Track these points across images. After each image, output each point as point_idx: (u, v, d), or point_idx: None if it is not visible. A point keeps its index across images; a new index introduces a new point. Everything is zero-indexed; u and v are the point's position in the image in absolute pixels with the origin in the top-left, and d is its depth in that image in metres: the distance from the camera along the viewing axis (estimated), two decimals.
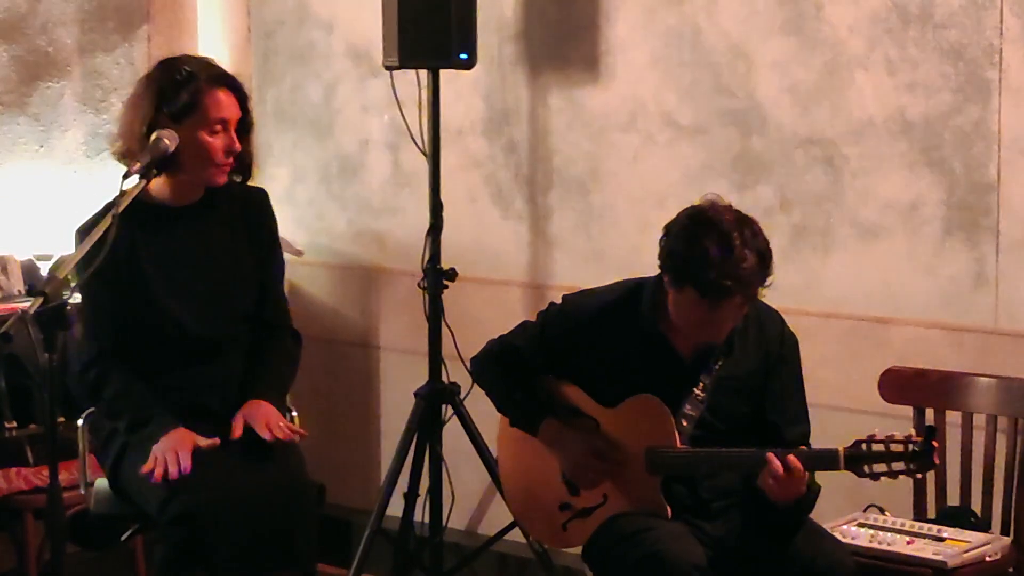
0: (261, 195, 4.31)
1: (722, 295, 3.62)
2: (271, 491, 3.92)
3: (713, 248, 3.60)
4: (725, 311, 3.67)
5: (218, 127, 4.04)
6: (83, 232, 4.07)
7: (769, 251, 3.69)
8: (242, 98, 4.13)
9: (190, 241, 4.14)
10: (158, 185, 4.08)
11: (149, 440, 3.94)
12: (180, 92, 4.01)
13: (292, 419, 4.26)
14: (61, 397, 3.91)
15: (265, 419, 4.00)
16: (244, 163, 4.19)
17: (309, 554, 3.98)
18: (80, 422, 4.22)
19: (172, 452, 3.89)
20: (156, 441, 3.92)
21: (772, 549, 3.73)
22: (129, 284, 4.03)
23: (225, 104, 4.06)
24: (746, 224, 3.67)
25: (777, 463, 3.64)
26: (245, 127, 4.15)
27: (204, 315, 4.11)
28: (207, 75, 4.05)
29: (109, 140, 4.25)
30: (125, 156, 4.06)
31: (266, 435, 3.96)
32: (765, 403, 3.87)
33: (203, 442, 3.94)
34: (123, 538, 3.91)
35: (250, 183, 4.29)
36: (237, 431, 3.99)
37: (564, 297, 4.05)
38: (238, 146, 4.08)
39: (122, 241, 3.79)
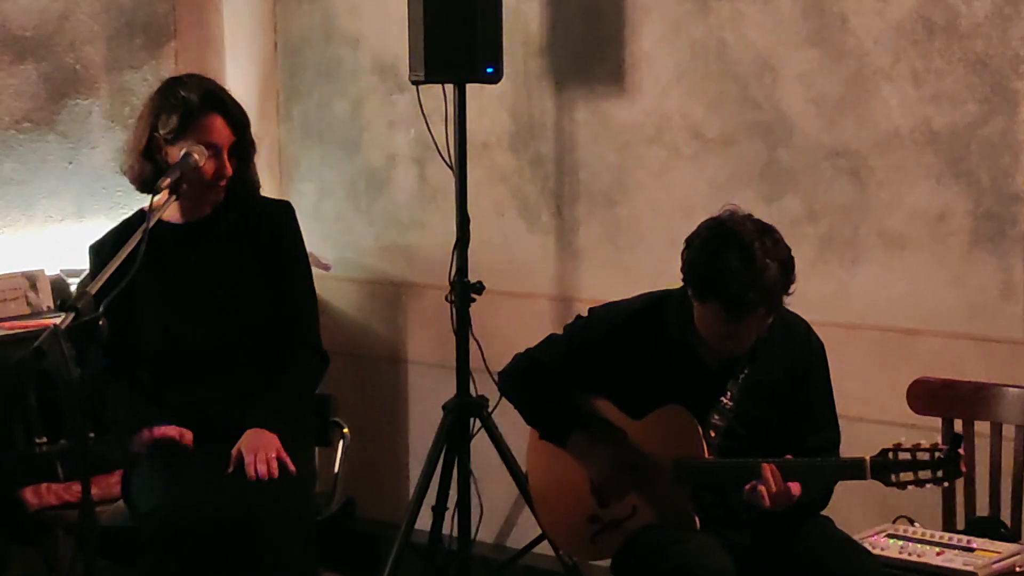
0: (282, 208, 4.32)
1: (746, 310, 3.62)
2: (245, 515, 3.89)
3: (735, 262, 3.60)
4: (750, 324, 3.68)
5: (208, 151, 4.06)
6: (96, 249, 4.12)
7: (791, 258, 3.69)
8: (237, 123, 4.14)
9: (192, 257, 4.17)
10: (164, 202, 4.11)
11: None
12: (172, 115, 4.06)
13: (343, 436, 4.30)
14: (91, 413, 3.93)
15: (255, 452, 3.99)
16: (244, 186, 4.21)
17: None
18: None
19: (164, 428, 3.99)
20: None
21: (786, 548, 3.74)
22: (133, 300, 4.02)
23: (215, 129, 4.09)
24: (766, 233, 3.67)
25: (759, 487, 3.66)
26: (242, 151, 4.17)
27: (204, 329, 4.12)
28: (199, 100, 4.08)
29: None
30: (128, 173, 4.15)
31: (250, 472, 3.95)
32: (793, 411, 3.87)
33: (188, 438, 4.01)
34: None
35: (277, 197, 4.31)
36: (230, 467, 3.99)
37: (590, 310, 4.05)
38: (228, 170, 4.11)
39: (130, 256, 3.81)
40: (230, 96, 4.19)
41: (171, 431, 4.02)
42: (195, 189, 4.09)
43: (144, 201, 3.92)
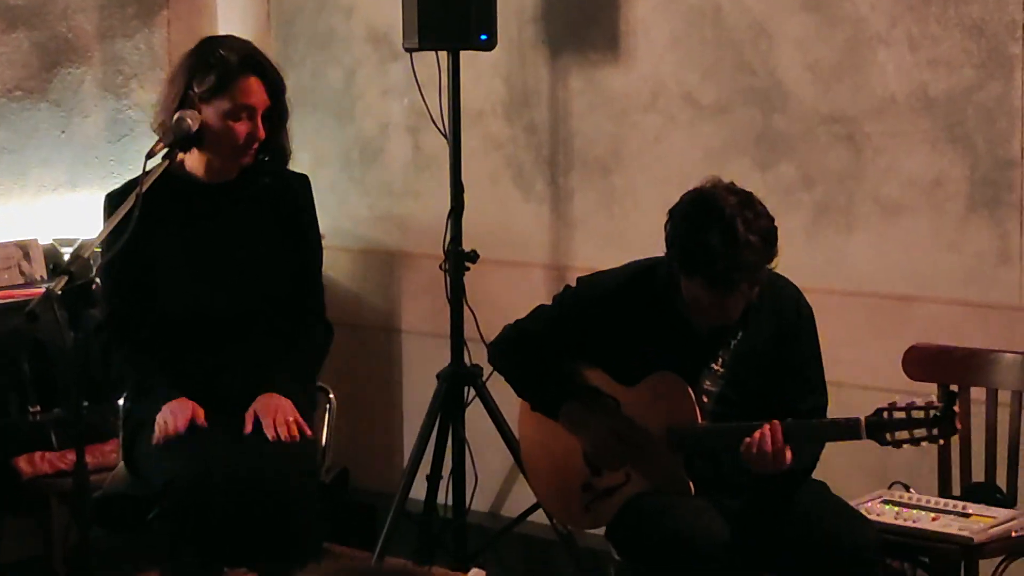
0: (301, 180, 4.30)
1: (729, 287, 3.62)
2: (269, 477, 3.91)
3: (716, 240, 3.59)
4: (735, 298, 3.68)
5: (243, 113, 4.04)
6: (112, 198, 4.07)
7: (773, 229, 3.67)
8: (274, 87, 4.11)
9: (218, 218, 4.15)
10: (193, 160, 4.11)
11: (153, 412, 3.97)
12: (209, 74, 4.01)
13: (329, 401, 4.28)
14: (86, 381, 3.92)
15: (274, 415, 3.99)
16: (277, 151, 4.19)
17: (308, 540, 3.96)
18: (121, 401, 4.21)
19: (171, 416, 3.94)
20: (159, 411, 3.96)
21: (772, 515, 3.74)
22: (150, 256, 4.03)
23: (252, 91, 4.05)
24: (748, 206, 3.65)
25: (756, 436, 3.64)
26: (277, 116, 4.14)
27: (224, 292, 4.11)
28: (239, 60, 4.05)
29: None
30: (160, 128, 4.08)
31: (270, 433, 3.97)
32: (782, 376, 3.86)
33: (200, 416, 3.98)
34: (149, 517, 3.90)
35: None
36: (247, 427, 3.99)
37: (579, 279, 4.04)
38: (261, 134, 4.08)
39: (148, 214, 3.79)
40: (268, 60, 4.16)
41: (184, 414, 3.98)
42: (225, 151, 4.07)
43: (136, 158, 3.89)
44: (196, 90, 4.02)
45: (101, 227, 3.82)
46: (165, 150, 3.91)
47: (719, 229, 3.59)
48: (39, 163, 5.45)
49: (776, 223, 3.69)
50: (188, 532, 3.84)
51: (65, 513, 4.78)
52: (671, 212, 3.73)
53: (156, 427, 3.95)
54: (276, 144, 4.17)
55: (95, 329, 4.08)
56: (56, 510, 4.79)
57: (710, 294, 3.65)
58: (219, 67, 4.01)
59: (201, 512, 3.82)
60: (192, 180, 4.12)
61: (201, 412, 3.99)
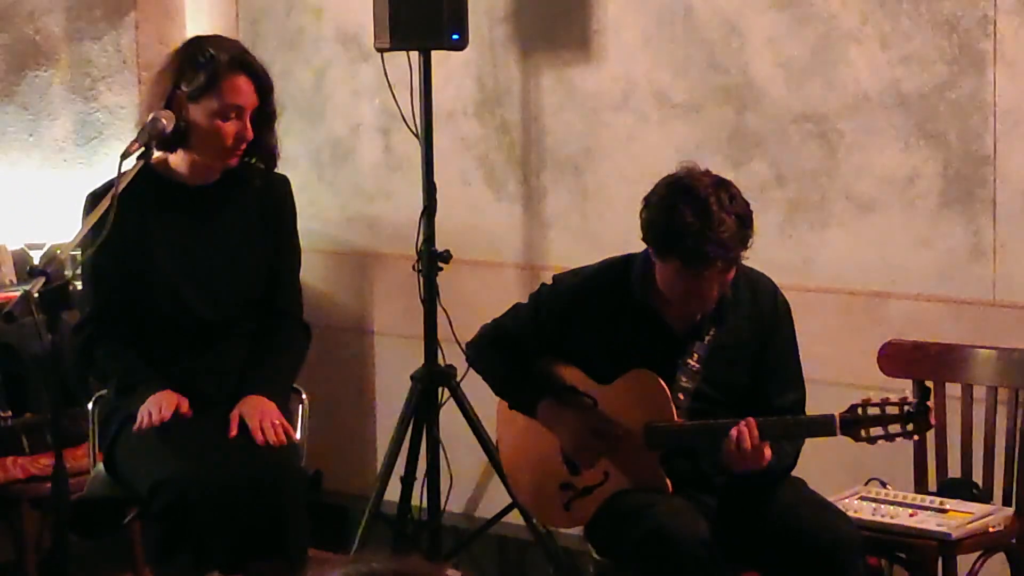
0: (283, 182, 4.28)
1: (704, 263, 3.61)
2: (261, 480, 3.90)
3: (691, 216, 3.60)
4: (709, 279, 3.67)
5: (232, 113, 4.01)
6: (94, 197, 4.03)
7: (749, 213, 3.69)
8: (263, 87, 4.09)
9: (201, 220, 4.13)
10: (178, 160, 4.08)
11: (136, 406, 3.96)
12: (198, 72, 3.99)
13: (302, 402, 4.27)
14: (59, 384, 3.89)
15: (259, 417, 3.98)
16: (265, 153, 4.15)
17: (299, 543, 3.95)
18: (90, 405, 4.18)
19: (156, 407, 3.92)
20: (143, 402, 3.95)
21: (752, 515, 3.74)
22: (134, 257, 4.01)
23: (242, 91, 4.03)
24: (723, 188, 3.67)
25: (734, 434, 3.64)
26: (265, 117, 4.11)
27: (209, 295, 4.10)
28: (229, 59, 4.02)
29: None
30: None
31: (258, 437, 3.96)
32: (759, 371, 3.86)
33: (185, 406, 3.96)
34: (125, 521, 3.87)
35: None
36: (233, 430, 3.97)
37: (555, 277, 4.05)
38: (250, 134, 4.05)
39: (131, 214, 3.77)
40: (256, 60, 4.14)
41: (169, 404, 3.96)
42: (212, 151, 4.04)
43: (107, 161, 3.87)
44: (184, 89, 3.99)
45: (80, 226, 3.79)
46: (140, 150, 3.87)
47: (693, 207, 3.61)
48: (7, 166, 5.40)
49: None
50: (177, 534, 3.81)
51: (37, 518, 4.75)
52: (646, 198, 3.74)
53: (139, 417, 3.93)
54: (264, 146, 4.14)
55: (73, 329, 4.05)
56: (28, 515, 4.75)
57: (685, 275, 3.65)
58: (208, 66, 3.99)
59: (190, 514, 3.80)
60: (176, 181, 4.09)
61: (186, 402, 3.98)
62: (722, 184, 3.68)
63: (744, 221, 3.66)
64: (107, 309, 4.05)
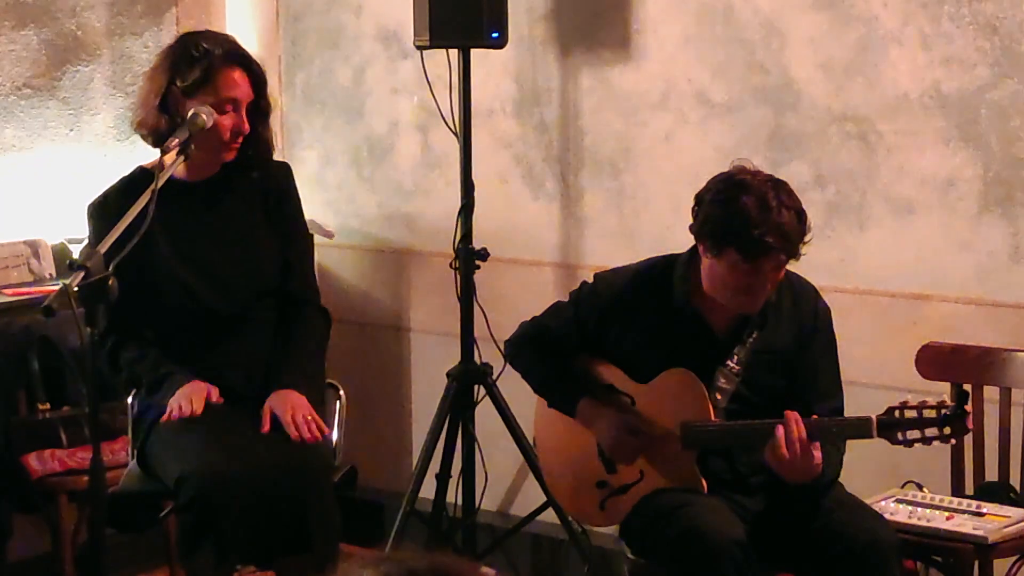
0: (282, 169, 4.29)
1: (764, 252, 3.60)
2: (286, 475, 3.89)
3: (752, 206, 3.59)
4: (765, 272, 3.65)
5: (228, 106, 4.01)
6: (98, 206, 4.06)
7: (804, 211, 3.68)
8: (258, 81, 4.09)
9: (206, 216, 4.13)
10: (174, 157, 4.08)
11: (166, 399, 3.97)
12: (193, 67, 3.99)
13: (339, 398, 4.26)
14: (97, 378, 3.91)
15: (292, 412, 3.98)
16: (260, 148, 4.15)
17: (327, 538, 3.94)
18: (129, 399, 4.20)
19: (186, 399, 3.93)
20: (173, 395, 3.96)
21: (800, 525, 3.71)
22: (146, 259, 4.00)
23: (237, 84, 4.03)
24: (779, 185, 3.68)
25: (781, 432, 3.61)
26: (260, 111, 4.12)
27: (222, 289, 4.10)
28: (223, 53, 4.02)
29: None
30: (141, 127, 4.07)
31: (293, 433, 3.95)
32: (798, 376, 3.84)
33: (215, 395, 3.97)
34: (161, 516, 3.88)
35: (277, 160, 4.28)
36: (266, 426, 3.97)
37: (596, 275, 4.04)
38: (246, 127, 4.05)
39: (137, 217, 3.78)
40: (250, 53, 4.14)
41: (200, 396, 3.98)
42: (210, 146, 4.04)
43: (146, 157, 3.88)
44: (179, 84, 3.99)
45: (86, 237, 3.79)
46: (180, 146, 3.88)
47: (753, 198, 3.60)
48: (48, 161, 5.43)
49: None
50: (203, 527, 3.82)
51: (74, 511, 4.77)
52: (699, 196, 3.73)
53: (169, 408, 3.94)
54: (260, 138, 4.14)
55: (99, 337, 4.06)
56: (65, 508, 4.77)
57: (741, 269, 3.63)
58: (203, 60, 3.99)
59: (217, 507, 3.80)
60: (175, 178, 4.05)
61: (216, 391, 3.99)
62: (777, 181, 3.69)
63: (801, 216, 3.67)
64: (125, 317, 4.04)
